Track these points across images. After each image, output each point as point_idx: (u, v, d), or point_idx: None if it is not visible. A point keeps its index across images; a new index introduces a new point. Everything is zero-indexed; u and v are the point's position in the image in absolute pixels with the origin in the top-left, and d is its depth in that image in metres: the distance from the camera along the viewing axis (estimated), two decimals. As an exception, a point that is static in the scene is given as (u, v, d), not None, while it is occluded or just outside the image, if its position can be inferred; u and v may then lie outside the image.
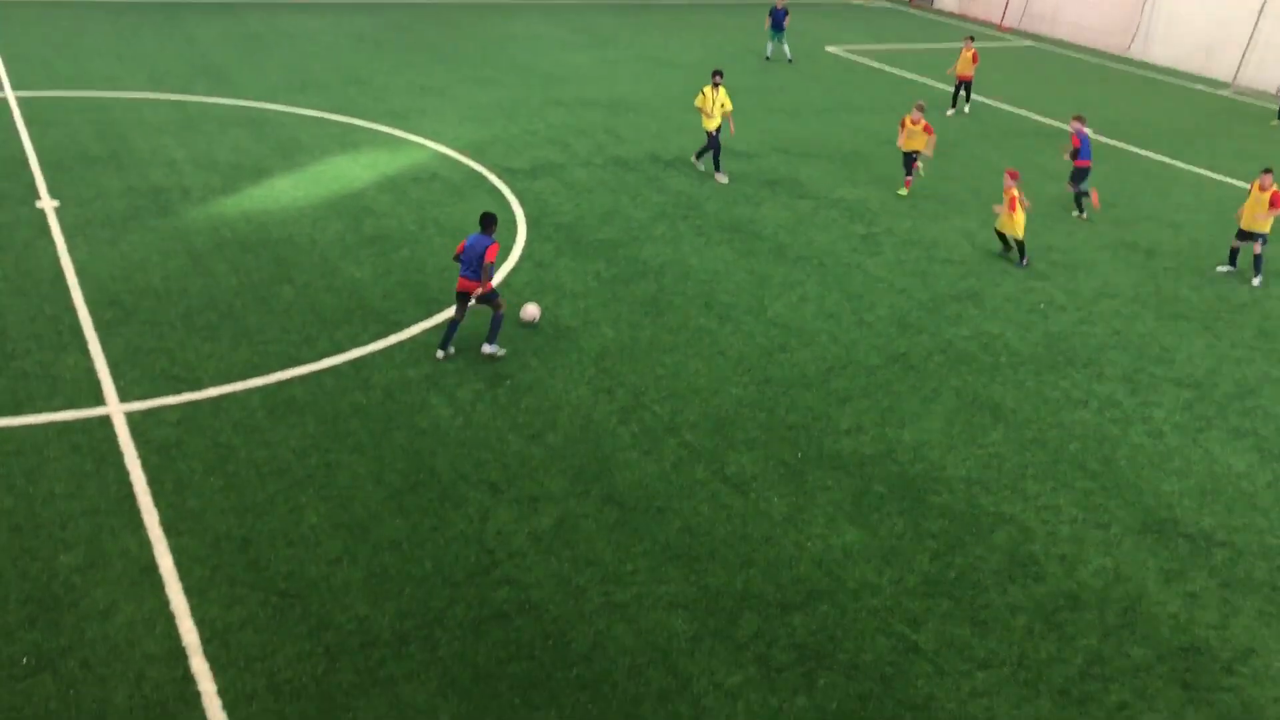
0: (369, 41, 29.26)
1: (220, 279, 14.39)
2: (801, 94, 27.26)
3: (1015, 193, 16.61)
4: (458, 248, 12.73)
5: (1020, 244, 17.00)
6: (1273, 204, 16.54)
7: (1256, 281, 16.97)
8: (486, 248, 12.36)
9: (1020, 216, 16.71)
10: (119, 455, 10.47)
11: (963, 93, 26.52)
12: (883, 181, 20.66)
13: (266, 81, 24.25)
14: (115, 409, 11.21)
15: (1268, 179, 16.63)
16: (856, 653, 8.74)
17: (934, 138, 19.63)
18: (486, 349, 12.84)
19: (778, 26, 30.53)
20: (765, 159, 21.55)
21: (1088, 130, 19.40)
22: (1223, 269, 17.46)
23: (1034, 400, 12.96)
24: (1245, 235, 17.03)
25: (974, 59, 26.01)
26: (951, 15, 41.94)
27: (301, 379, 12.10)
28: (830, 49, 33.55)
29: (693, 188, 19.47)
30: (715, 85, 19.60)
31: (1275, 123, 28.20)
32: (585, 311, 14.34)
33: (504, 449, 11.08)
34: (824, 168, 21.31)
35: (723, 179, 19.93)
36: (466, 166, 19.65)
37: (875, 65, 31.48)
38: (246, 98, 22.81)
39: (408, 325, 13.49)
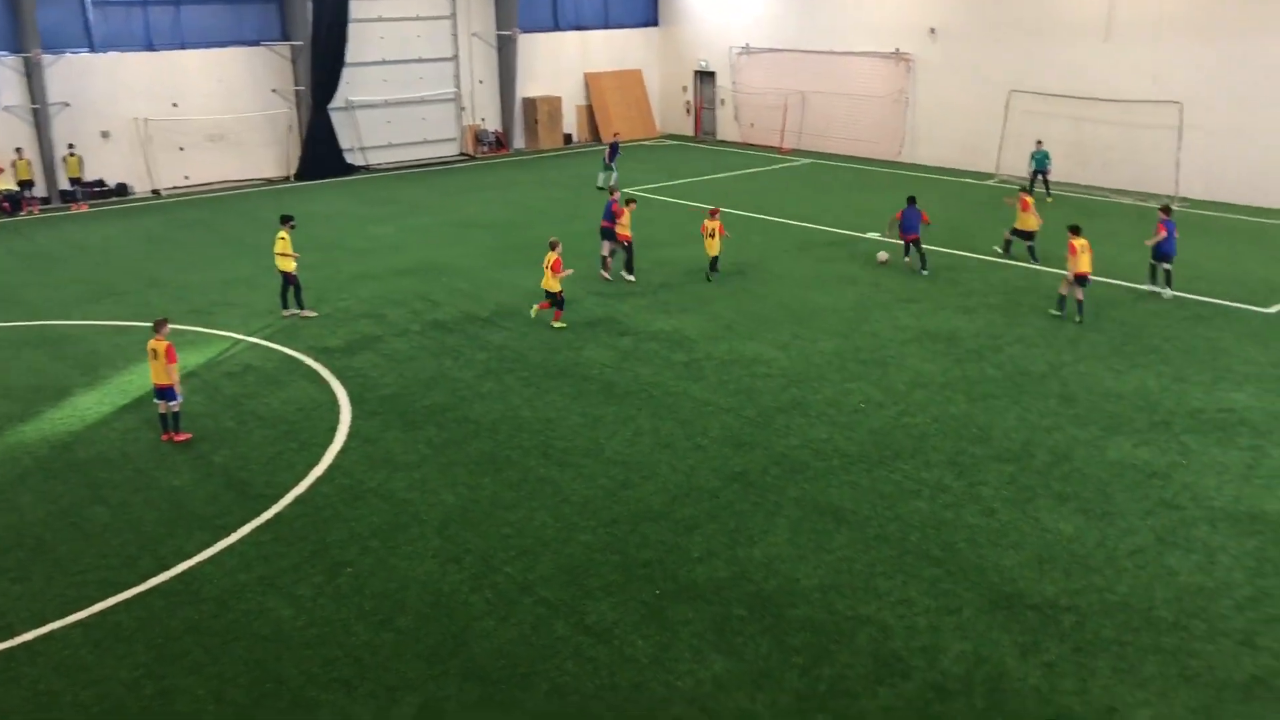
0: (164, 242, 28.65)
1: (26, 512, 13.51)
2: (606, 235, 28.00)
3: (718, 223, 23.54)
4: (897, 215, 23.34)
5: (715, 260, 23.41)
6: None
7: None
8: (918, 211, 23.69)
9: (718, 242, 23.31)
10: (-75, 725, 9.54)
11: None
12: (692, 310, 21.30)
13: (60, 296, 23.36)
14: (-84, 673, 10.25)
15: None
16: (742, 787, 8.60)
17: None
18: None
19: (612, 158, 34.29)
20: (582, 302, 21.95)
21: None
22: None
23: (870, 497, 13.34)
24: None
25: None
26: (735, 145, 44.22)
27: (126, 604, 11.36)
28: (628, 190, 34.75)
29: (515, 341, 19.61)
30: (291, 228, 21.44)
31: (1009, 200, 30.56)
32: (422, 481, 14.08)
33: (352, 641, 10.61)
34: (637, 303, 21.85)
35: (310, 313, 21.53)
36: (280, 353, 19.27)
37: (671, 200, 32.77)
38: (40, 316, 21.89)
39: (235, 528, 12.91)
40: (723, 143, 44.76)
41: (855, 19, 39.21)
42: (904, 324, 20.11)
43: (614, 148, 34.68)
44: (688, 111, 46.85)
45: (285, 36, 37.14)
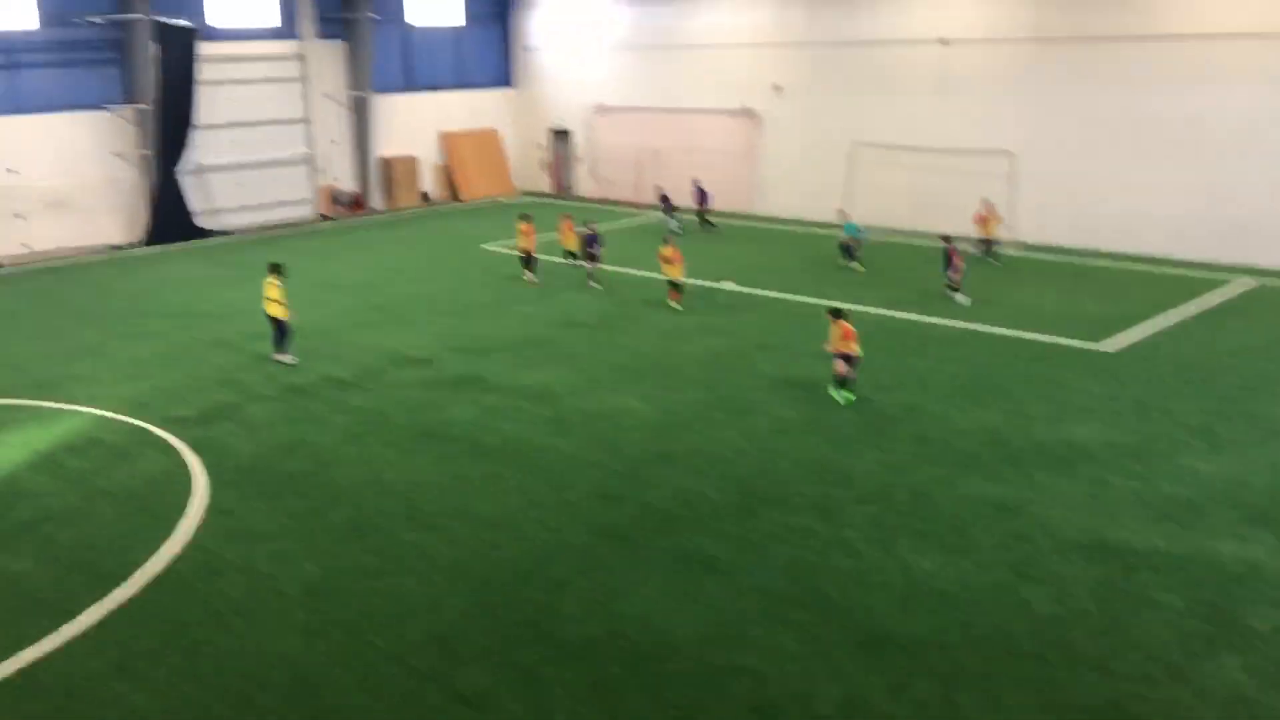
0: (3, 314, 27.20)
1: None
2: (467, 293, 27.93)
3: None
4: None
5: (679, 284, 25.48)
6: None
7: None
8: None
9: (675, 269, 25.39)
10: None
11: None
12: (557, 364, 21.33)
13: (-120, 374, 21.91)
14: None
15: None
16: (624, 847, 8.51)
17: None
18: None
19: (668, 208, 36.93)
20: (444, 361, 21.74)
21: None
22: None
23: (738, 545, 13.50)
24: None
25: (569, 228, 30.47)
26: (593, 199, 44.69)
27: (-39, 702, 10.63)
28: (487, 246, 34.74)
29: (377, 403, 19.25)
30: (280, 275, 21.98)
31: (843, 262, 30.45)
32: (282, 553, 13.63)
33: (214, 725, 10.16)
34: (502, 360, 21.76)
35: (290, 359, 21.97)
36: (129, 425, 18.46)
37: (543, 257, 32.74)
38: None
39: (82, 611, 12.24)
40: (580, 198, 45.18)
41: (705, 79, 40.36)
42: (763, 371, 20.53)
43: (666, 201, 37.18)
44: (543, 169, 47.17)
45: (129, 100, 35.89)
